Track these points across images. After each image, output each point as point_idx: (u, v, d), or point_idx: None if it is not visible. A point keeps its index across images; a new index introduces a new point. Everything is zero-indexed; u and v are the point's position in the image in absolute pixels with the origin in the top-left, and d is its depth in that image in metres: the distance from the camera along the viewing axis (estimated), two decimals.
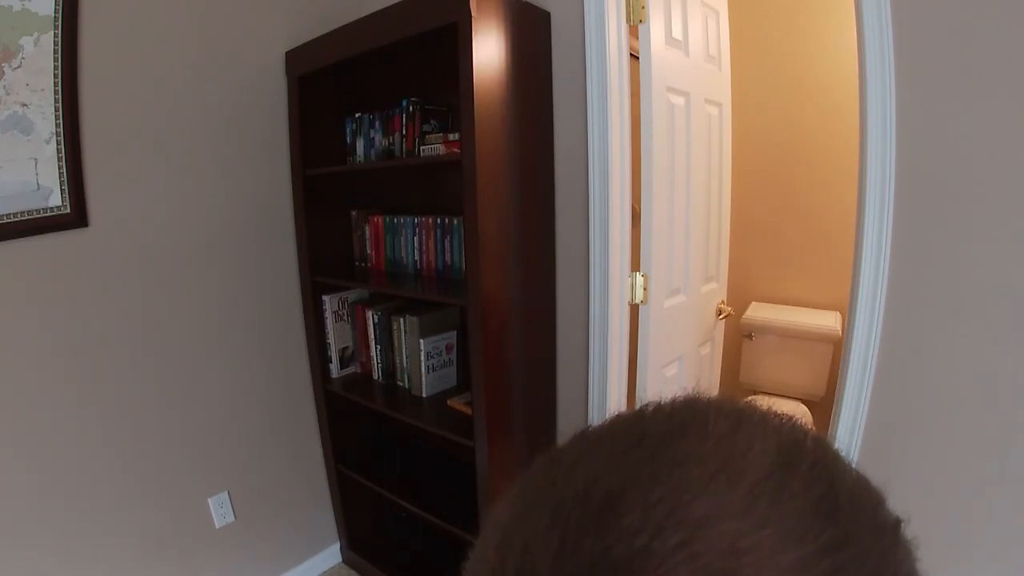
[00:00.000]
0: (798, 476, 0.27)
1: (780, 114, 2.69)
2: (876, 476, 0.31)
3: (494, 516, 0.30)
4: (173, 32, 1.72)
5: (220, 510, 2.01)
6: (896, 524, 0.30)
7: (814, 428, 0.32)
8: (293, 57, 1.96)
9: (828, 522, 0.26)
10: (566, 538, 0.25)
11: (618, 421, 0.32)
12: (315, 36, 1.88)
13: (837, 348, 2.47)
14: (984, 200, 1.13)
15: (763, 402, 0.34)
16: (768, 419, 0.31)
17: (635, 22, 1.60)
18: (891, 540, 0.28)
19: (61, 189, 1.54)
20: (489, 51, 1.47)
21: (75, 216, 1.57)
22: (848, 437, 1.36)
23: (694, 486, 0.26)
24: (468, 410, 1.76)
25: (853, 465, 0.31)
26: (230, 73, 1.87)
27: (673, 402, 0.33)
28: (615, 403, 1.79)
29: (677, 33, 1.75)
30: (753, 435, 0.29)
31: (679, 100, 1.80)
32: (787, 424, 0.31)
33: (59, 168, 1.52)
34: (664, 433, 0.30)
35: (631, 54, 1.64)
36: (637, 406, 0.34)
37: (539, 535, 0.26)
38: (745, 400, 0.33)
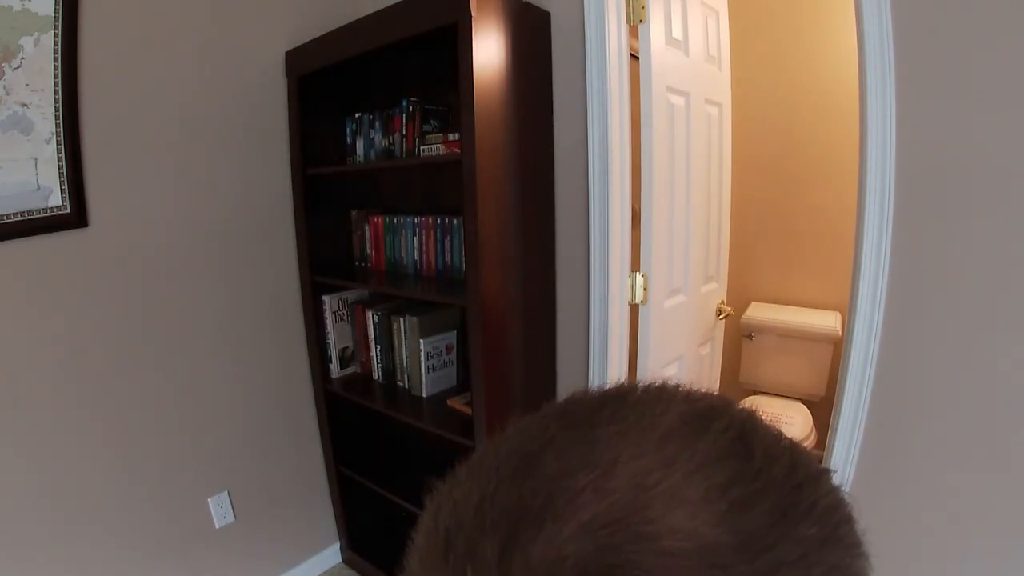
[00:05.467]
0: (711, 429, 0.28)
1: (780, 114, 2.69)
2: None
3: (434, 491, 0.31)
4: (173, 33, 1.72)
5: (220, 510, 2.00)
6: (820, 471, 0.29)
7: (773, 422, 0.32)
8: (293, 57, 1.96)
9: (738, 460, 0.27)
10: (486, 492, 0.27)
11: (550, 404, 0.34)
12: (315, 36, 1.88)
13: (837, 348, 2.47)
14: (984, 200, 1.13)
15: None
16: (693, 394, 0.32)
17: (635, 22, 1.60)
18: (806, 475, 0.28)
19: (61, 189, 1.54)
20: (489, 51, 1.47)
21: (75, 216, 1.57)
22: (848, 437, 1.36)
23: (606, 437, 0.28)
24: (468, 410, 1.76)
25: (780, 432, 0.31)
26: (230, 73, 1.87)
27: (606, 386, 0.34)
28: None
29: (677, 33, 1.75)
30: (671, 403, 0.30)
31: (679, 100, 1.80)
32: (714, 399, 0.32)
33: (59, 168, 1.52)
34: (587, 407, 0.31)
35: (631, 54, 1.64)
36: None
37: (465, 495, 0.28)
38: (680, 383, 0.34)
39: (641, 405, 0.30)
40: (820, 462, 0.32)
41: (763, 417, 0.32)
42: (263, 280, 2.05)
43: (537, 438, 0.30)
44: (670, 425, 0.28)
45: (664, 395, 0.31)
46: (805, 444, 2.31)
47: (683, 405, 0.30)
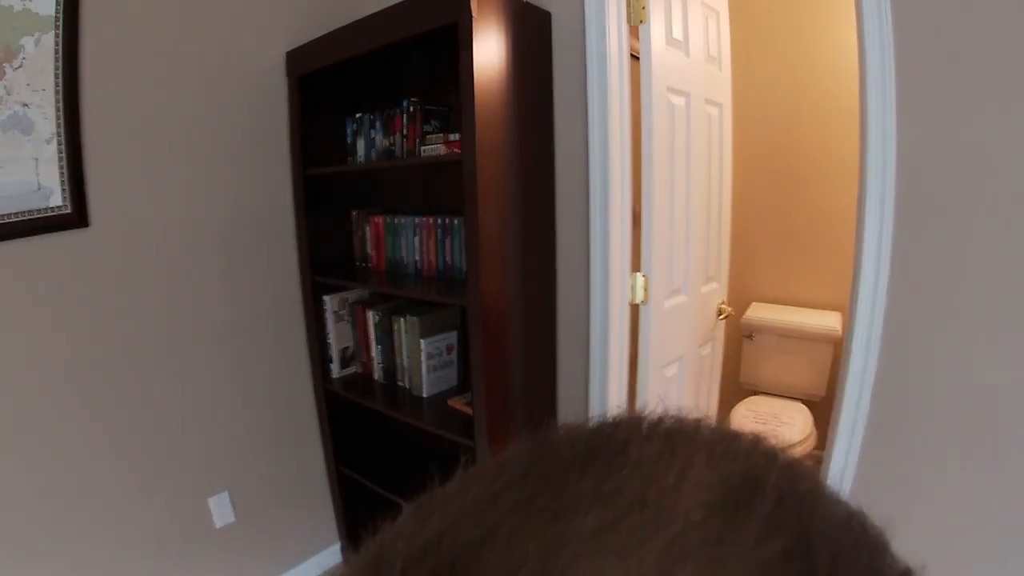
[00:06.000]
0: (751, 522, 0.19)
1: (780, 114, 2.69)
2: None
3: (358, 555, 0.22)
4: (173, 33, 1.72)
5: (220, 510, 2.00)
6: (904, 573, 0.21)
7: (788, 451, 0.24)
8: (293, 57, 1.96)
9: None
10: None
11: (516, 446, 0.24)
12: (315, 36, 1.88)
13: (837, 348, 2.47)
14: (985, 199, 1.13)
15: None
16: (720, 441, 0.23)
17: (635, 22, 1.60)
18: None
19: (62, 189, 1.54)
20: (490, 51, 1.47)
21: (76, 216, 1.57)
22: (848, 437, 1.36)
23: (579, 541, 0.18)
24: (469, 410, 1.76)
25: (842, 500, 0.22)
26: (230, 73, 1.87)
27: (601, 421, 0.25)
28: (615, 403, 1.79)
29: (677, 33, 1.76)
30: (690, 463, 0.21)
31: (679, 100, 1.80)
32: (745, 449, 0.23)
33: (60, 168, 1.52)
34: (564, 464, 0.22)
35: (631, 55, 1.64)
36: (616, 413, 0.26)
37: None
38: (700, 418, 0.25)
39: (644, 469, 0.21)
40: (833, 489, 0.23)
41: (814, 474, 0.23)
42: (263, 280, 2.05)
43: (479, 516, 0.20)
44: (686, 518, 0.19)
45: (678, 449, 0.22)
46: (805, 445, 2.31)
47: (705, 471, 0.21)
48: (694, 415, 0.25)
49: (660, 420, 0.24)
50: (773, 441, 0.24)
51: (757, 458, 0.22)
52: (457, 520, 0.20)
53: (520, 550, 0.18)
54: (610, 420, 0.25)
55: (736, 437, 0.24)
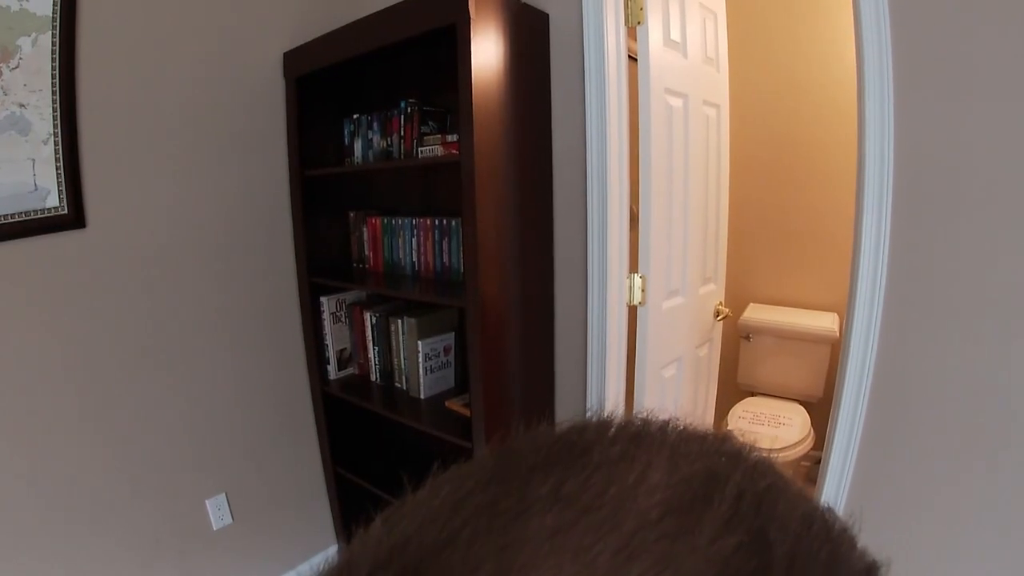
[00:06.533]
0: (707, 520, 0.19)
1: (778, 116, 2.70)
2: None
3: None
4: (171, 34, 1.72)
5: (218, 512, 2.00)
6: (868, 572, 0.21)
7: (755, 450, 0.24)
8: (291, 58, 1.96)
9: None
10: None
11: (489, 450, 0.25)
12: (313, 37, 1.88)
13: (835, 349, 2.48)
14: (983, 200, 1.13)
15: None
16: (684, 442, 0.23)
17: (633, 23, 1.60)
18: None
19: (59, 190, 1.53)
20: (488, 52, 1.47)
21: (73, 217, 1.57)
22: (846, 438, 1.36)
23: (536, 541, 0.18)
24: (466, 411, 1.76)
25: (805, 496, 0.22)
26: (228, 74, 1.87)
27: (571, 425, 0.25)
28: (613, 405, 1.79)
29: (675, 35, 1.76)
30: (651, 463, 0.21)
31: (677, 102, 1.80)
32: (709, 449, 0.23)
33: (57, 169, 1.52)
34: (528, 465, 0.22)
35: (629, 56, 1.64)
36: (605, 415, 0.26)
37: None
38: (669, 419, 0.25)
39: (604, 471, 0.21)
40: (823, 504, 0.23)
41: (783, 473, 0.23)
42: (261, 281, 2.05)
43: (443, 521, 0.20)
44: (643, 517, 0.19)
45: (642, 449, 0.22)
46: (801, 447, 2.31)
47: (665, 471, 0.21)
48: (664, 417, 0.25)
49: (628, 423, 0.24)
50: (741, 440, 0.24)
51: (719, 457, 0.22)
52: (422, 525, 0.21)
53: (480, 551, 0.18)
54: (579, 424, 0.25)
55: (702, 438, 0.24)
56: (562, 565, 0.17)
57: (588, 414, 0.26)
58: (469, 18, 1.39)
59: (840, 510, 0.23)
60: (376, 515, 0.23)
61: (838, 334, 2.48)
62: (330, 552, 2.40)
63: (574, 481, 0.20)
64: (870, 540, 0.24)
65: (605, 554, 0.18)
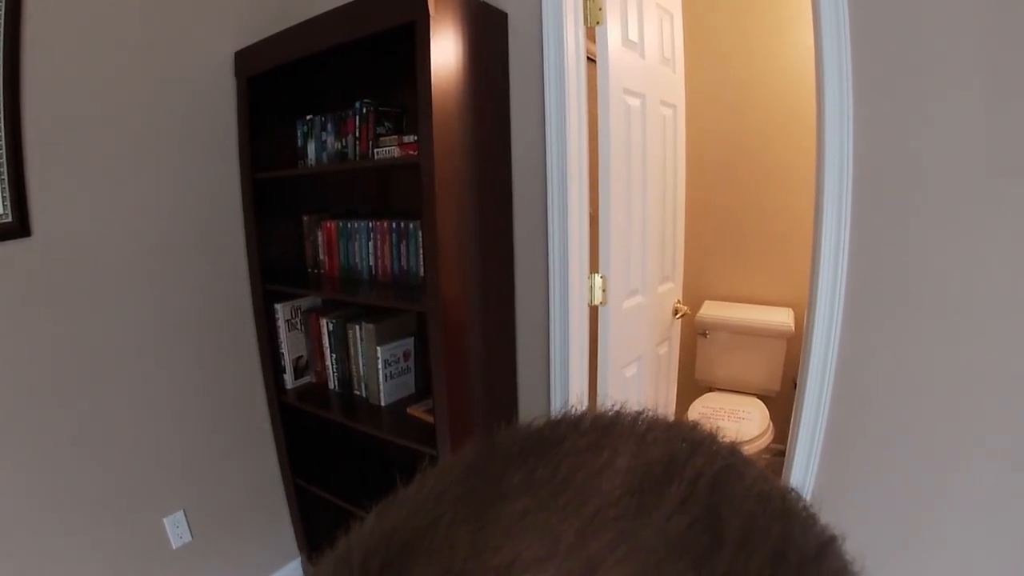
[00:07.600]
0: (665, 500, 0.21)
1: (732, 115, 2.74)
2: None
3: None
4: (117, 35, 1.64)
5: (176, 530, 1.92)
6: (823, 545, 0.22)
7: (721, 437, 0.26)
8: (242, 58, 1.89)
9: (700, 554, 0.19)
10: None
11: (466, 450, 0.26)
12: (265, 36, 1.82)
13: (791, 344, 2.53)
14: (940, 198, 1.16)
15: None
16: (652, 430, 0.25)
17: (592, 23, 1.60)
18: (800, 559, 0.20)
19: (3, 197, 1.45)
20: (447, 51, 1.44)
21: (17, 225, 1.48)
22: (810, 433, 1.38)
23: (507, 523, 0.20)
24: (429, 418, 1.73)
25: (766, 476, 0.24)
26: (177, 75, 1.79)
27: (546, 420, 0.27)
28: (576, 405, 1.79)
29: (633, 35, 1.76)
30: (619, 450, 0.23)
31: (635, 102, 1.81)
32: (675, 436, 0.25)
33: (0, 177, 1.44)
34: (503, 458, 0.24)
35: (588, 57, 1.64)
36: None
37: None
38: (641, 411, 0.27)
39: (573, 458, 0.22)
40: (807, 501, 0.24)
41: (744, 456, 0.25)
42: (213, 289, 1.97)
43: (426, 511, 0.22)
44: (605, 497, 0.20)
45: (611, 438, 0.24)
46: (762, 440, 2.35)
47: (631, 457, 0.22)
48: (636, 410, 0.27)
49: (600, 416, 0.26)
50: (708, 429, 0.26)
51: (682, 443, 0.24)
52: (409, 515, 0.22)
53: (457, 533, 0.20)
54: (554, 419, 0.27)
55: (669, 426, 0.25)
56: (530, 543, 0.19)
57: (564, 410, 0.28)
58: (429, 16, 1.37)
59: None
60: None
61: (793, 328, 2.53)
62: (292, 566, 2.33)
63: (545, 469, 0.22)
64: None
65: (569, 532, 0.19)
